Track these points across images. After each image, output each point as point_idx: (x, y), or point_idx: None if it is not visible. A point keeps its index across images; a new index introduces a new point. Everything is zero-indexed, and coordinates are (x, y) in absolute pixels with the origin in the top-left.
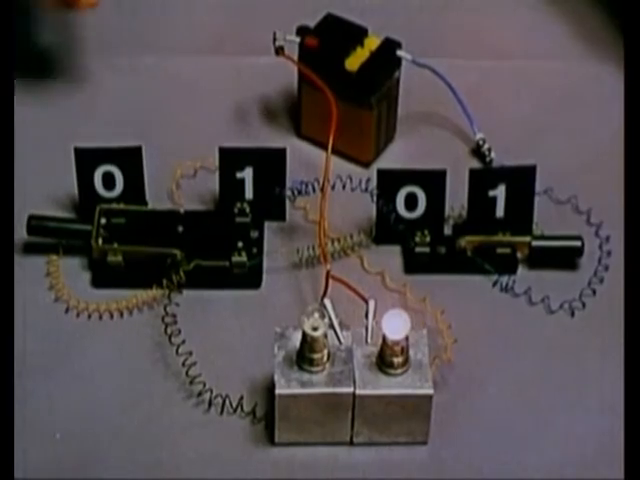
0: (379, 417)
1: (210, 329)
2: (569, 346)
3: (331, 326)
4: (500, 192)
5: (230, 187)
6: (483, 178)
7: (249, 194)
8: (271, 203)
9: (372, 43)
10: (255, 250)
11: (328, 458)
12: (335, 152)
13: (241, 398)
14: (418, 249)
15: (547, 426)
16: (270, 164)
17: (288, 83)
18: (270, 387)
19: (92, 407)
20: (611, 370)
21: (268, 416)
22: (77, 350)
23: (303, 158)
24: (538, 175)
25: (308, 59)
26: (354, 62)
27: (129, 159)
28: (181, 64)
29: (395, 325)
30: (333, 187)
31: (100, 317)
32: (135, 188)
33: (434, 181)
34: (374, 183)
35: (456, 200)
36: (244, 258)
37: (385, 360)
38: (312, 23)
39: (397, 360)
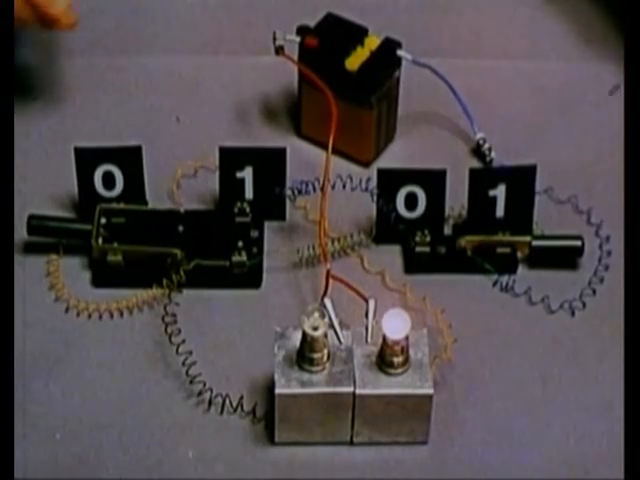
0: (379, 417)
1: (210, 329)
2: (569, 346)
3: (331, 326)
4: (500, 192)
5: (230, 187)
6: (483, 178)
7: (249, 194)
8: (271, 203)
9: (372, 43)
10: (255, 250)
11: (328, 458)
12: (335, 152)
13: (241, 398)
14: (418, 249)
15: (547, 426)
16: (270, 164)
17: (288, 83)
18: (270, 387)
19: (92, 407)
20: (611, 370)
21: (268, 416)
22: (77, 350)
23: (303, 158)
24: (538, 175)
25: (308, 59)
26: (354, 62)
27: (129, 159)
28: (181, 64)
29: (395, 325)
30: (333, 187)
31: (100, 317)
32: (135, 188)
33: (434, 181)
34: (374, 183)
35: (456, 200)
36: (244, 258)
37: (385, 360)
38: (312, 23)
39: (397, 360)
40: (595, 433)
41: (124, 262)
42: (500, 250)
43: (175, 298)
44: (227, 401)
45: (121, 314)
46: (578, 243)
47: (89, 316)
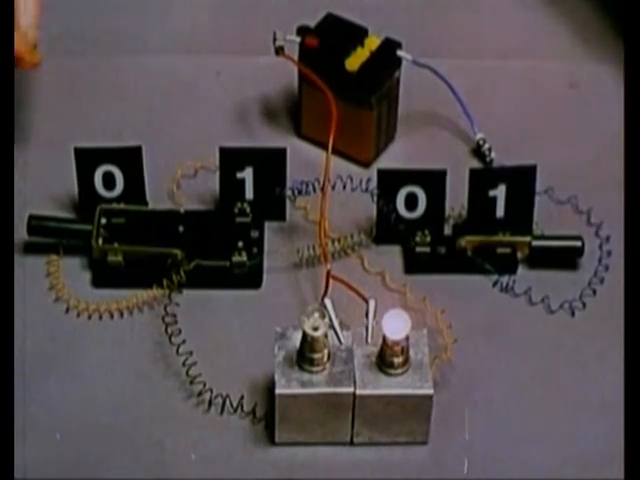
0: (379, 417)
1: (210, 329)
2: (569, 346)
3: (331, 326)
4: (500, 192)
5: (230, 187)
6: (483, 178)
7: (249, 194)
8: (271, 203)
9: (372, 43)
10: (255, 250)
11: (328, 458)
12: (335, 152)
13: (241, 398)
14: (418, 249)
15: (547, 426)
16: (270, 164)
17: (288, 83)
18: (270, 387)
19: (92, 407)
20: (611, 370)
21: (268, 416)
22: (77, 350)
23: (303, 158)
24: (538, 175)
25: (308, 59)
26: (354, 62)
27: (129, 159)
28: (181, 64)
29: (395, 325)
30: (333, 187)
31: (100, 317)
32: (135, 188)
33: (434, 181)
34: (374, 183)
35: (456, 200)
36: (244, 258)
37: (385, 360)
38: (312, 23)
39: (397, 360)
40: (595, 433)
41: (124, 262)
42: (500, 250)
43: (175, 298)
44: (227, 401)
45: (121, 314)
46: (578, 243)
47: (89, 316)
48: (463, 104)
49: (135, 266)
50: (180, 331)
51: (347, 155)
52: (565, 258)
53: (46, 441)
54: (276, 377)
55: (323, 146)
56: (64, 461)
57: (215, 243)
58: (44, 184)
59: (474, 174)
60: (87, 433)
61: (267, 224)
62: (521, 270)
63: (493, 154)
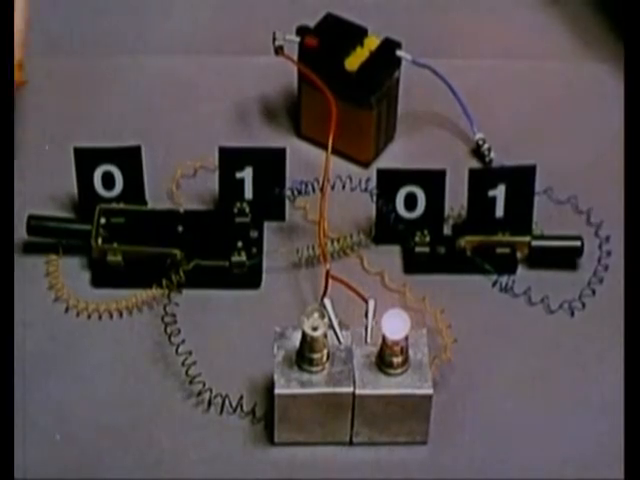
0: (379, 417)
1: (210, 329)
2: (569, 346)
3: (331, 326)
4: (500, 192)
5: (230, 187)
6: (483, 178)
7: (249, 194)
8: (271, 203)
9: (372, 43)
10: (255, 250)
11: (328, 458)
12: (335, 152)
13: (241, 398)
14: (418, 249)
15: (547, 426)
16: (270, 164)
17: (288, 83)
18: (270, 387)
19: (92, 407)
20: (611, 370)
21: (268, 416)
22: (77, 350)
23: (303, 158)
24: (538, 175)
25: (308, 59)
26: (354, 62)
27: (129, 159)
28: (181, 64)
29: (395, 325)
30: (333, 187)
31: (100, 317)
32: (135, 188)
33: (434, 181)
34: (374, 183)
35: (456, 200)
36: (244, 258)
37: (385, 360)
38: (312, 23)
39: (397, 360)
40: (595, 433)
41: (124, 262)
42: (500, 250)
43: (175, 298)
44: (227, 401)
45: (121, 314)
46: (578, 243)
47: (89, 316)
48: (463, 104)
49: (134, 266)
50: (179, 331)
51: (347, 155)
52: (565, 258)
53: (46, 441)
54: (275, 377)
55: (323, 146)
56: (64, 461)
57: (214, 243)
58: (44, 184)
59: (474, 174)
60: (87, 433)
61: (266, 224)
62: (521, 270)
63: (492, 154)
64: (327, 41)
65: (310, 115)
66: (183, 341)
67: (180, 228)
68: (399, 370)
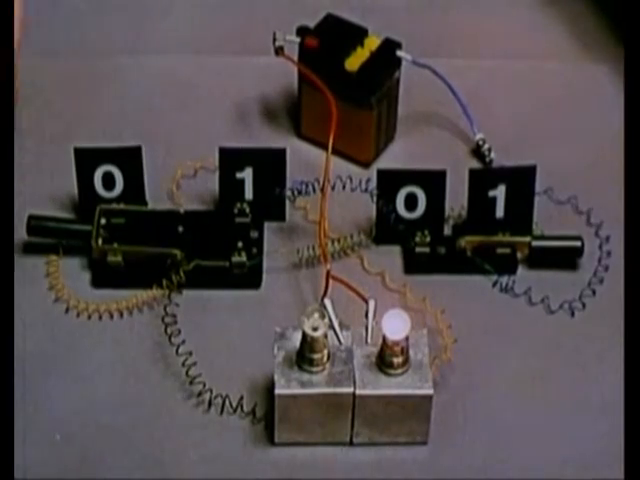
0: (379, 417)
1: (210, 329)
2: (569, 346)
3: (331, 326)
4: (500, 192)
5: (230, 187)
6: (483, 178)
7: (249, 194)
8: (271, 203)
9: (372, 43)
10: (255, 250)
11: (328, 458)
12: (335, 152)
13: (241, 398)
14: (418, 249)
15: (547, 426)
16: (270, 164)
17: (288, 83)
18: (270, 387)
19: (92, 407)
20: (611, 370)
21: (268, 416)
22: (77, 350)
23: (303, 158)
24: (538, 175)
25: (308, 59)
26: (354, 62)
27: (129, 159)
28: (181, 64)
29: (395, 325)
30: (333, 187)
31: (100, 317)
32: (135, 188)
33: (434, 181)
34: (374, 183)
35: (456, 200)
36: (244, 258)
37: (385, 360)
38: (312, 23)
39: (397, 360)
40: (595, 433)
41: (124, 263)
42: (500, 250)
43: (175, 299)
44: (227, 401)
45: (121, 315)
46: (578, 244)
47: (89, 317)
48: (463, 104)
49: (135, 266)
50: (180, 331)
51: (347, 155)
52: (565, 258)
53: (46, 441)
54: (276, 377)
55: (323, 146)
56: (64, 461)
57: (215, 243)
58: (44, 184)
59: (474, 174)
60: (87, 433)
61: (267, 224)
62: (521, 270)
63: (493, 154)
64: (327, 41)
65: (310, 115)
66: (183, 341)
67: (180, 228)
68: (399, 370)
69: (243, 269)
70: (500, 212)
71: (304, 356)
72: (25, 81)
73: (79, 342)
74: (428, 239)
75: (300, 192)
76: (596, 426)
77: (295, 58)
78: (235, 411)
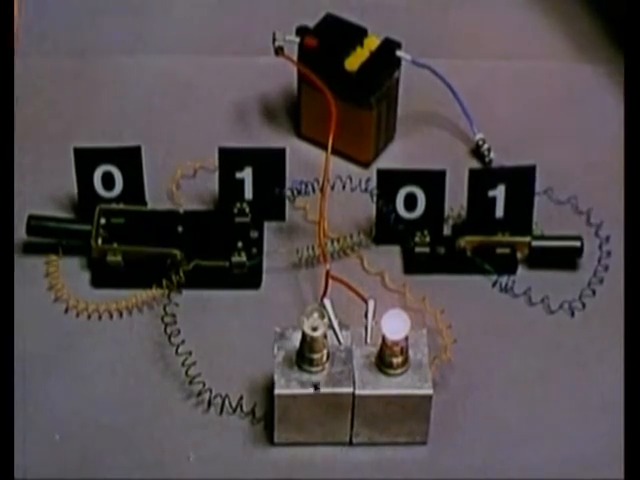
0: (379, 417)
1: (210, 329)
2: (569, 346)
3: (330, 326)
4: (500, 192)
5: (230, 187)
6: (483, 178)
7: (249, 194)
8: (271, 203)
9: (372, 43)
10: (255, 250)
11: (328, 458)
12: (335, 152)
13: (241, 398)
14: (418, 249)
15: (547, 426)
16: (270, 164)
17: (288, 83)
18: (270, 387)
19: (92, 407)
20: (611, 370)
21: (267, 416)
22: (77, 350)
23: (303, 158)
24: (538, 175)
25: (308, 59)
26: (354, 62)
27: (129, 159)
28: (181, 64)
29: (395, 325)
30: (333, 187)
31: (100, 317)
32: (135, 188)
33: (434, 181)
34: (374, 183)
35: (456, 200)
36: (244, 258)
37: (385, 360)
38: (312, 23)
39: (397, 360)
40: (595, 433)
41: (123, 262)
42: (500, 250)
43: (175, 298)
44: (226, 401)
45: (120, 314)
46: (578, 243)
47: (89, 316)
48: (462, 104)
49: (134, 266)
50: (179, 331)
51: (347, 155)
52: (565, 258)
53: (46, 441)
54: (275, 377)
55: (323, 146)
56: (64, 461)
57: (214, 243)
58: (44, 184)
59: (473, 174)
60: (87, 433)
61: (266, 224)
62: (521, 270)
63: (492, 154)
64: (327, 41)
65: (310, 115)
66: (183, 341)
67: (180, 228)
68: (399, 370)
69: (243, 269)
70: (500, 212)
71: (304, 356)
72: (25, 81)
73: (79, 342)
74: (428, 239)
75: (300, 192)
76: (596, 426)
77: (295, 58)
78: (235, 411)
